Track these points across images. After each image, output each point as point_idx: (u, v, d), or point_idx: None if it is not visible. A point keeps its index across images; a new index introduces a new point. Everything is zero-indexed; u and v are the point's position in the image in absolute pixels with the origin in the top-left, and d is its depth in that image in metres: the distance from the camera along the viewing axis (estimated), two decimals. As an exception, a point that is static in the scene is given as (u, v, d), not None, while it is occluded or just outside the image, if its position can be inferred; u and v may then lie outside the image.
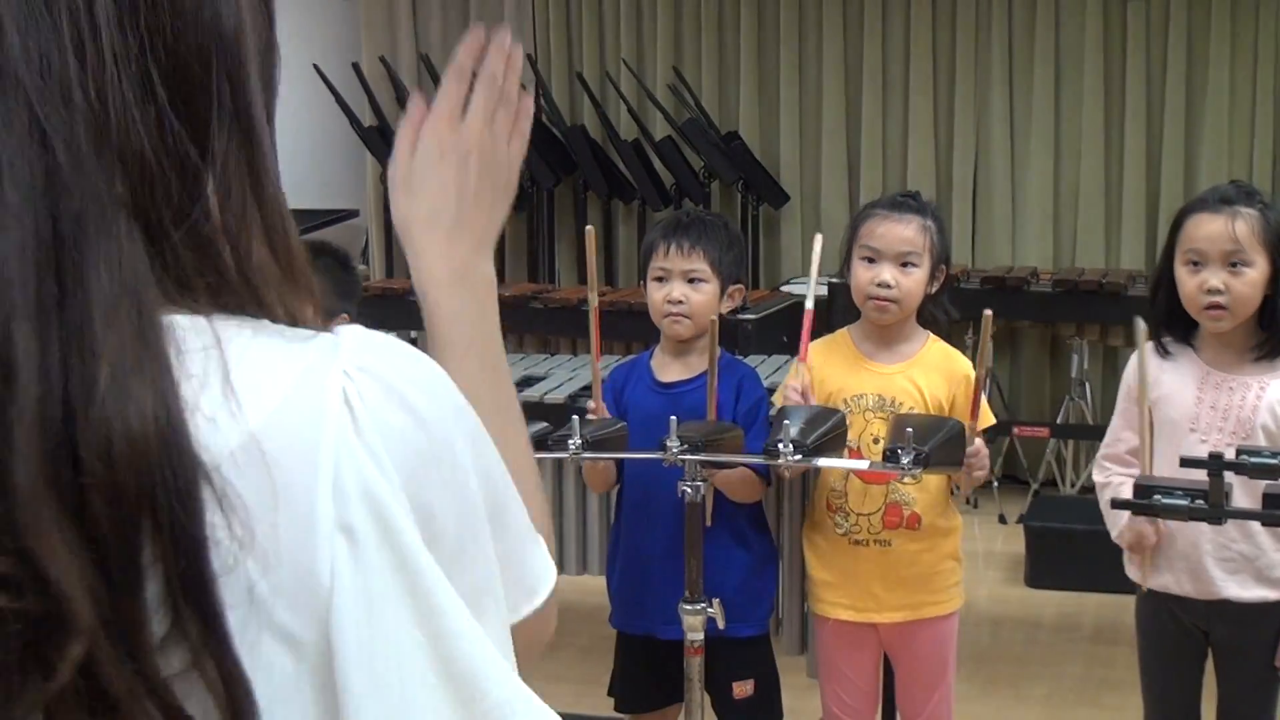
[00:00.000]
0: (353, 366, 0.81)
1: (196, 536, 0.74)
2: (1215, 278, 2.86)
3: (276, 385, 0.80)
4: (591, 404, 3.11)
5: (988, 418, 3.14)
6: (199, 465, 0.74)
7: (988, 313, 2.94)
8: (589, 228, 3.02)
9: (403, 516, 0.80)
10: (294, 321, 0.86)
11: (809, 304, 3.09)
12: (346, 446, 0.79)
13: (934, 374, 3.09)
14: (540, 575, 0.99)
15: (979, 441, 2.98)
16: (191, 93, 0.82)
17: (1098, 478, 3.10)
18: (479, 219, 1.14)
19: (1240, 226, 2.86)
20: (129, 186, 0.79)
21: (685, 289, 3.12)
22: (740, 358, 3.62)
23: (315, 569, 0.78)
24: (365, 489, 0.79)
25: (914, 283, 3.06)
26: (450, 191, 1.13)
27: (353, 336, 0.84)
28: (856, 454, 3.03)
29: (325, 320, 1.13)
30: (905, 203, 3.12)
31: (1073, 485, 6.04)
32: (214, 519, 0.74)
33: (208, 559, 0.74)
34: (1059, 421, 6.02)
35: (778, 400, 3.07)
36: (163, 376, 0.75)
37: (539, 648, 1.03)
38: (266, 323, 0.84)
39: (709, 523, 2.93)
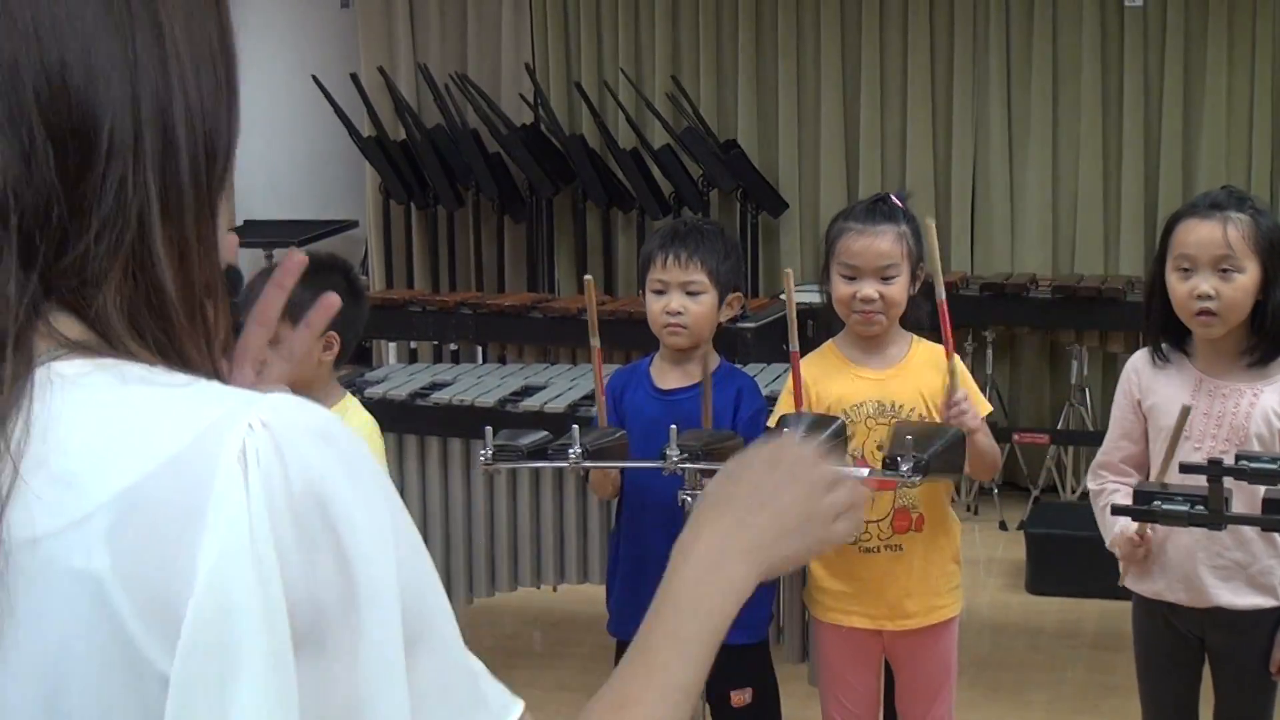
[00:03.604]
0: (259, 423, 0.81)
1: None
2: (1206, 283, 2.86)
3: (173, 435, 0.80)
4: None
5: (983, 405, 3.14)
6: None
7: (929, 220, 3.00)
8: (588, 277, 3.05)
9: (255, 586, 0.78)
10: (210, 370, 0.87)
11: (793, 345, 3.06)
12: (231, 500, 0.79)
13: (928, 372, 3.09)
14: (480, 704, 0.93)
15: (961, 391, 2.97)
16: (69, 133, 0.83)
17: (1091, 485, 3.10)
18: (767, 532, 1.16)
19: (1232, 232, 2.86)
20: (2, 220, 0.81)
21: (683, 300, 3.13)
22: (740, 366, 3.62)
23: (183, 614, 0.78)
24: (236, 543, 0.78)
25: (897, 291, 3.06)
26: (756, 489, 1.17)
27: (276, 398, 0.84)
28: (861, 462, 3.03)
29: (312, 340, 1.14)
30: (877, 210, 3.11)
31: (1073, 491, 6.04)
32: None
33: None
34: (1059, 428, 6.02)
35: None
36: None
37: None
38: (163, 373, 0.85)
39: None
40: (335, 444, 0.84)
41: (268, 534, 0.79)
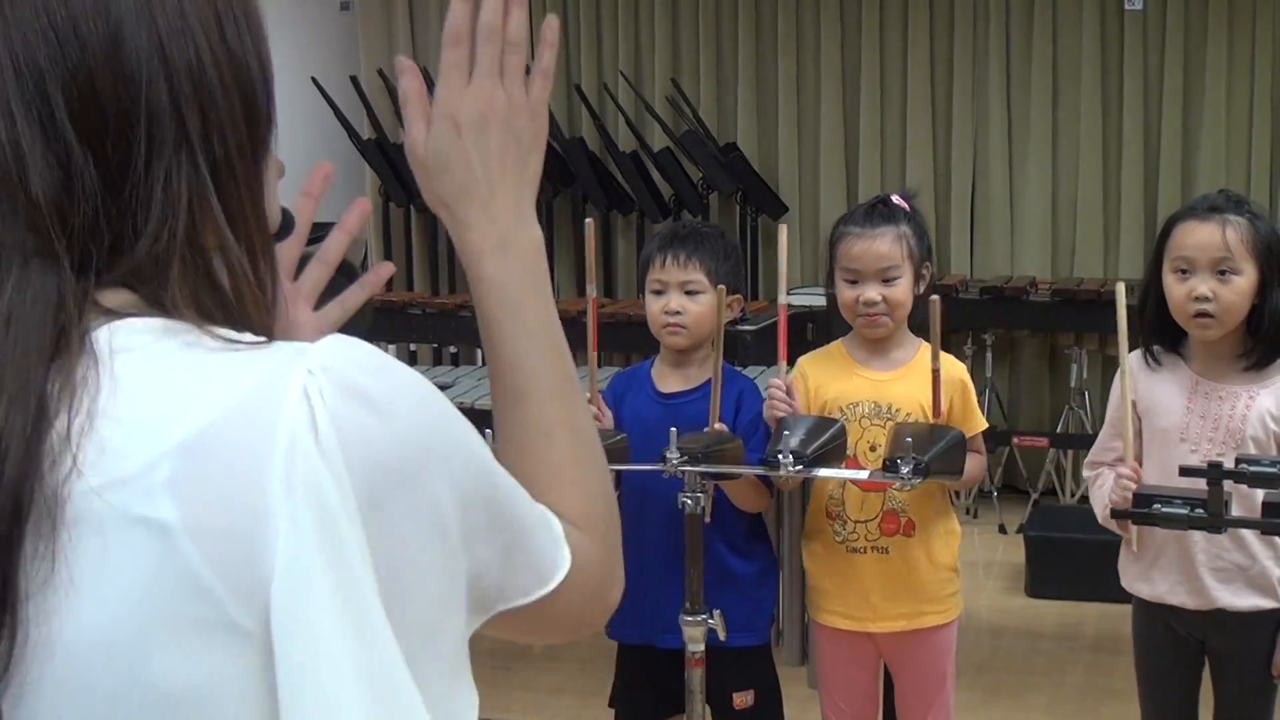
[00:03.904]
0: (317, 365, 0.82)
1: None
2: (1204, 285, 2.86)
3: (233, 386, 0.82)
4: (586, 395, 3.11)
5: (979, 421, 3.14)
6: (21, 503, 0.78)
7: (935, 299, 2.94)
8: (589, 220, 3.04)
9: (343, 518, 0.80)
10: (268, 330, 0.89)
11: (782, 299, 3.08)
12: (301, 440, 0.80)
13: (929, 380, 3.09)
14: (553, 561, 1.00)
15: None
16: (105, 136, 0.84)
17: (1087, 473, 3.10)
18: (511, 181, 1.10)
19: (1230, 234, 2.86)
20: (34, 223, 0.82)
21: (682, 300, 3.13)
22: (740, 369, 3.62)
23: (261, 558, 0.79)
24: (312, 482, 0.79)
25: (900, 293, 3.06)
26: (474, 162, 1.08)
27: (325, 341, 0.85)
28: (853, 462, 3.03)
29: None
30: (877, 212, 3.11)
31: (1072, 495, 6.04)
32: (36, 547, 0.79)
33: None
34: (1058, 431, 6.02)
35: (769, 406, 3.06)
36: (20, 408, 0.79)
37: (575, 625, 1.05)
38: (216, 334, 0.86)
39: (708, 519, 2.92)
40: (393, 374, 0.86)
41: (343, 468, 0.80)
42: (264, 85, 0.91)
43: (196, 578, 0.78)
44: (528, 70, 1.10)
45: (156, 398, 0.81)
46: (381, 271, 1.25)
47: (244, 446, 0.80)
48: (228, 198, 0.88)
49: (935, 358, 2.97)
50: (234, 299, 0.88)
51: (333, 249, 1.22)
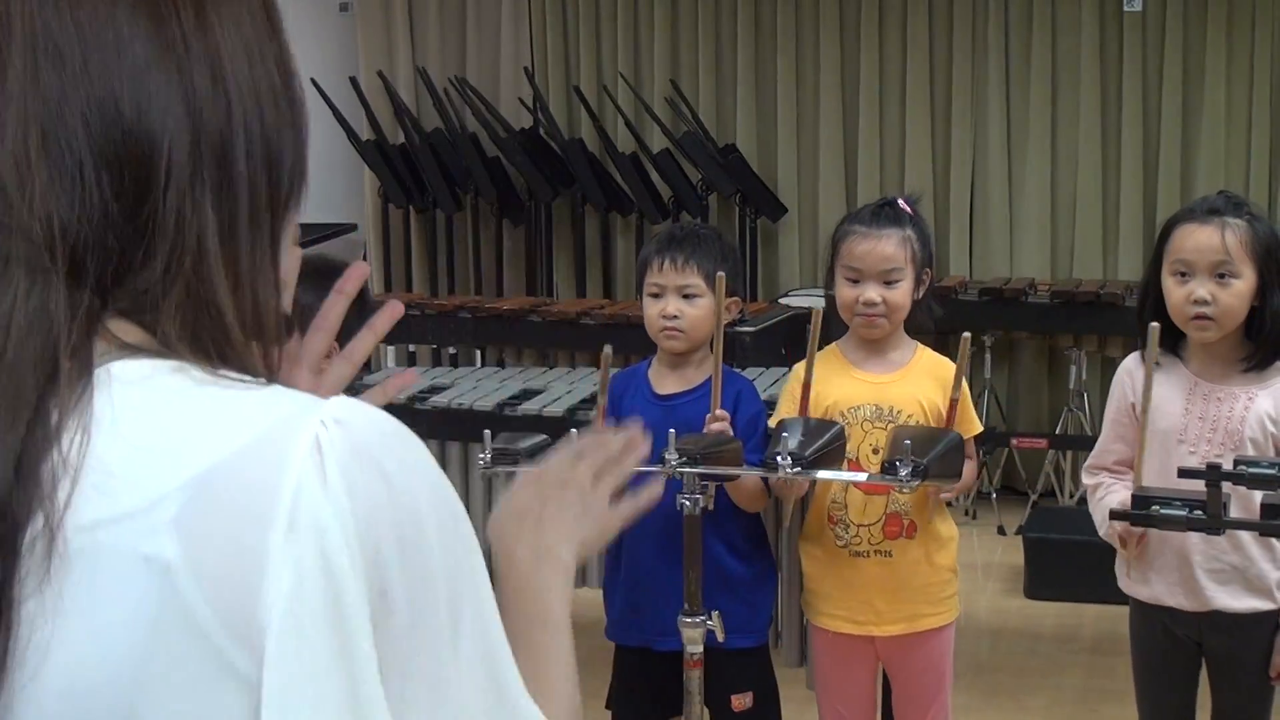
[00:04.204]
0: (331, 419, 0.82)
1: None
2: (1202, 288, 2.86)
3: (244, 427, 0.81)
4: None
5: (974, 424, 3.14)
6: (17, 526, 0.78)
7: (966, 335, 2.93)
8: (606, 348, 3.03)
9: (348, 567, 0.79)
10: (262, 375, 0.89)
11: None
12: (308, 488, 0.79)
13: (928, 381, 3.09)
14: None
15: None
16: (125, 162, 0.84)
17: (1087, 480, 3.10)
18: (564, 523, 1.24)
19: (1229, 237, 2.86)
20: (48, 248, 0.82)
21: (680, 304, 3.12)
22: (738, 370, 3.62)
23: (260, 603, 0.78)
24: (319, 531, 0.79)
25: (900, 295, 3.06)
26: (538, 500, 1.25)
27: (344, 399, 0.85)
28: (855, 465, 3.03)
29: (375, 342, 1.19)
30: (883, 214, 3.11)
31: (1071, 496, 6.03)
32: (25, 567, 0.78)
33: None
34: (1057, 432, 6.02)
35: None
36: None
37: None
38: (228, 377, 0.86)
39: (711, 508, 2.91)
40: (407, 442, 0.85)
41: (350, 517, 0.79)
42: (293, 164, 0.92)
43: (196, 618, 0.78)
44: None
45: (163, 432, 0.81)
46: (392, 312, 1.29)
47: (252, 489, 0.79)
48: (231, 253, 0.88)
49: (956, 387, 2.97)
50: (231, 349, 0.88)
51: (330, 315, 1.24)
